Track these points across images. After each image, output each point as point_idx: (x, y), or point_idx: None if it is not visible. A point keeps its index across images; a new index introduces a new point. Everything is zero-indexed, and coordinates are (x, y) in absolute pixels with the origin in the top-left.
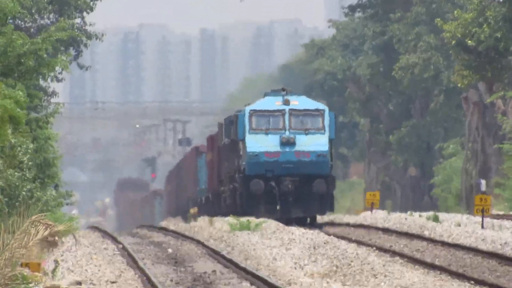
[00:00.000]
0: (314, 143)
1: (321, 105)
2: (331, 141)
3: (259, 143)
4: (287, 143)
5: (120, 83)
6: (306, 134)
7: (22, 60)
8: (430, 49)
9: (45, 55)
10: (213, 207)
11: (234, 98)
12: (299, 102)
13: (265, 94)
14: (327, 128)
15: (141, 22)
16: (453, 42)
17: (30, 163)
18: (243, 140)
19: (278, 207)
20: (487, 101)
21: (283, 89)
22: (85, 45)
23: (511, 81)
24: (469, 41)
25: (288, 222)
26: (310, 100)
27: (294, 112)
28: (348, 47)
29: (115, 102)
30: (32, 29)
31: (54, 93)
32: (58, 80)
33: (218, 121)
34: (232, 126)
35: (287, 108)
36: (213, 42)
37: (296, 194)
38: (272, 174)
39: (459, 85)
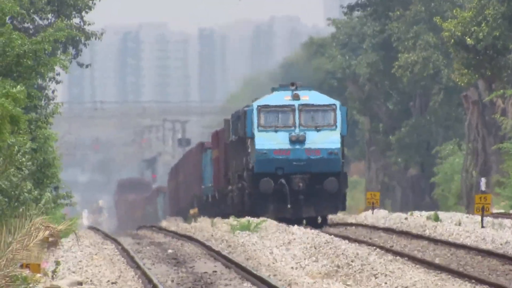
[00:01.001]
0: (325, 140)
1: (332, 100)
2: (343, 137)
3: (268, 141)
4: (297, 140)
5: (119, 82)
6: (317, 130)
7: (21, 60)
8: (429, 47)
9: (44, 55)
10: (220, 206)
11: (234, 97)
12: (309, 97)
13: (273, 89)
14: (339, 124)
15: (140, 21)
16: (452, 40)
17: (29, 163)
18: (252, 137)
19: (288, 206)
20: (486, 100)
21: (292, 84)
22: (85, 45)
23: (511, 79)
24: (468, 40)
25: (298, 221)
26: (321, 95)
27: (304, 108)
28: (347, 45)
29: (114, 102)
30: (30, 30)
31: (53, 93)
32: (57, 82)
33: (224, 118)
34: (239, 122)
35: (296, 103)
36: (211, 41)
37: (307, 192)
38: (282, 172)
39: (458, 83)
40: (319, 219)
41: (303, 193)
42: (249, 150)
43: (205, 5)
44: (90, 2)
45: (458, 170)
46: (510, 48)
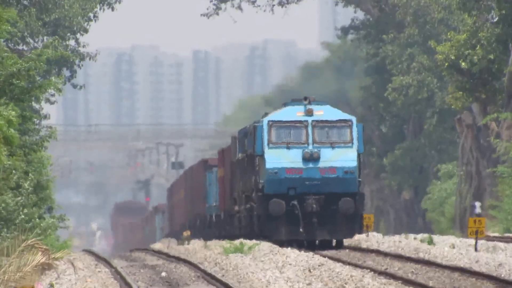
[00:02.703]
0: (341, 158)
1: (348, 116)
2: (359, 155)
3: (280, 159)
4: (311, 158)
5: (113, 105)
6: (332, 148)
7: (14, 81)
8: (423, 70)
9: (37, 77)
10: (226, 227)
11: (228, 120)
12: (324, 112)
13: (285, 104)
14: (355, 141)
15: (133, 43)
16: (446, 64)
17: (30, 189)
18: (262, 155)
19: (301, 229)
20: (480, 123)
21: (305, 98)
22: (79, 66)
23: (505, 103)
24: (463, 63)
25: (311, 244)
26: (336, 110)
27: (318, 124)
28: (341, 69)
29: (108, 124)
30: (25, 52)
31: (46, 116)
32: (51, 103)
33: (231, 135)
34: (246, 139)
35: (310, 119)
36: (206, 63)
37: (321, 214)
38: (294, 193)
39: (453, 107)
40: (334, 242)
41: (317, 215)
42: (259, 169)
43: (198, 27)
44: (85, 24)
45: (450, 194)
46: (504, 71)
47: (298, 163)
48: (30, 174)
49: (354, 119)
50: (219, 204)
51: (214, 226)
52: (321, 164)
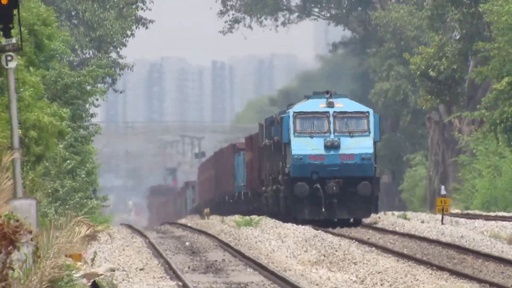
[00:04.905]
0: (359, 145)
1: (366, 108)
2: (375, 143)
3: (304, 146)
4: (332, 146)
5: (146, 105)
6: (351, 136)
7: (68, 90)
8: (400, 77)
9: (87, 86)
10: (253, 204)
11: (240, 118)
12: (343, 104)
13: (307, 97)
14: (372, 131)
15: (163, 55)
16: (418, 72)
17: (85, 178)
18: (288, 143)
19: (323, 209)
20: (446, 121)
21: (327, 92)
22: (119, 75)
23: (466, 104)
24: (431, 72)
25: (330, 223)
26: (354, 103)
27: (338, 115)
28: (332, 77)
29: (142, 121)
30: (75, 62)
31: (93, 115)
32: (96, 106)
33: (258, 122)
34: (273, 127)
35: (331, 110)
36: (222, 71)
37: (341, 196)
38: (317, 177)
39: (423, 107)
40: (351, 220)
41: (337, 197)
42: (285, 155)
43: (216, 43)
44: (124, 40)
45: (421, 178)
46: (465, 78)
47: (321, 150)
48: (85, 164)
49: (371, 110)
50: (246, 184)
51: (242, 203)
52: (341, 151)
